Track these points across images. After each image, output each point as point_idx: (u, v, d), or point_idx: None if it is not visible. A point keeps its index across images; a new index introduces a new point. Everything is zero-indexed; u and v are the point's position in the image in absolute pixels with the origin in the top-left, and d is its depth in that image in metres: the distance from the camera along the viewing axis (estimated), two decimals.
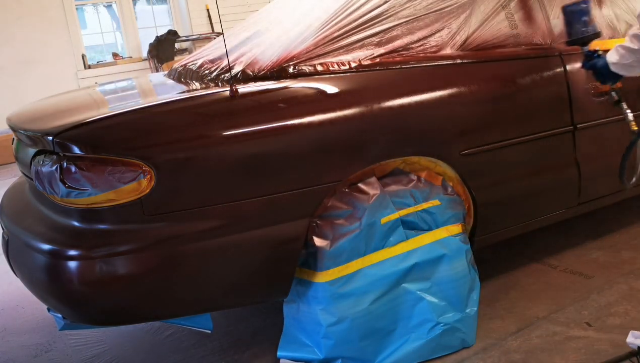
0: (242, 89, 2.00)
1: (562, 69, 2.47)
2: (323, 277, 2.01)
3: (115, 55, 8.74)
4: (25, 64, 7.72)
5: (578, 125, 2.53)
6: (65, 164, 1.79)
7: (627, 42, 2.14)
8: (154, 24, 9.14)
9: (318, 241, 1.99)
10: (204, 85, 2.29)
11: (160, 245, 1.82)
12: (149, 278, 1.85)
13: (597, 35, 2.29)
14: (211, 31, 8.92)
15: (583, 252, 2.90)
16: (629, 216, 3.29)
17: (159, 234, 1.82)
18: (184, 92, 2.38)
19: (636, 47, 2.11)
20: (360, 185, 2.06)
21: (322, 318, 2.03)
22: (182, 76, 2.57)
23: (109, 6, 9.19)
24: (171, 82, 2.61)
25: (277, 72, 2.09)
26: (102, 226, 1.82)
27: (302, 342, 2.12)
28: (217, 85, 2.22)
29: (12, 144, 2.45)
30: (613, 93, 2.37)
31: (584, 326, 2.27)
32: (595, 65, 2.26)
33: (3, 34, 7.58)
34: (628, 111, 2.35)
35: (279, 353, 2.17)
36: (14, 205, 2.28)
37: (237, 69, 2.18)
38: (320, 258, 2.00)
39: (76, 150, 1.80)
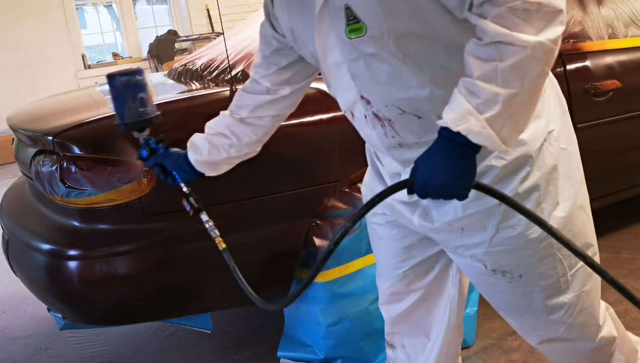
0: None
1: (562, 68, 2.47)
2: (323, 277, 2.01)
3: (115, 55, 8.75)
4: (25, 64, 7.72)
5: (578, 126, 2.52)
6: (65, 163, 1.79)
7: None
8: (154, 24, 9.15)
9: (318, 241, 1.99)
10: (204, 85, 2.29)
11: (160, 245, 1.82)
12: (149, 278, 1.85)
13: (156, 119, 1.51)
14: (211, 31, 8.93)
15: None
16: (629, 216, 3.29)
17: (159, 234, 1.82)
18: (184, 92, 2.38)
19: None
20: (360, 185, 2.06)
21: (322, 318, 2.03)
22: (182, 76, 2.57)
23: (109, 6, 9.20)
24: (171, 82, 2.61)
25: None
26: (102, 226, 1.82)
27: (302, 341, 2.12)
28: (217, 85, 2.22)
29: (12, 144, 2.45)
30: (191, 199, 1.54)
31: None
32: (165, 161, 1.51)
33: (3, 34, 7.58)
34: (210, 224, 1.54)
35: (279, 353, 2.17)
36: (14, 205, 2.28)
37: (237, 69, 2.18)
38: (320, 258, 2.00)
39: (76, 150, 1.80)
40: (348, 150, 2.00)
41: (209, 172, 1.53)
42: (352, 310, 2.03)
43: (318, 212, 2.00)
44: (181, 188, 1.54)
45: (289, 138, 1.92)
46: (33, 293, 2.04)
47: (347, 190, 2.05)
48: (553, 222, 1.23)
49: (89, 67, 8.32)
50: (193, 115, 1.93)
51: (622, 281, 2.66)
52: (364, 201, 1.50)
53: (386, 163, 1.36)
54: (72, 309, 1.91)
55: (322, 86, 2.03)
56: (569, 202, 1.27)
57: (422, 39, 1.11)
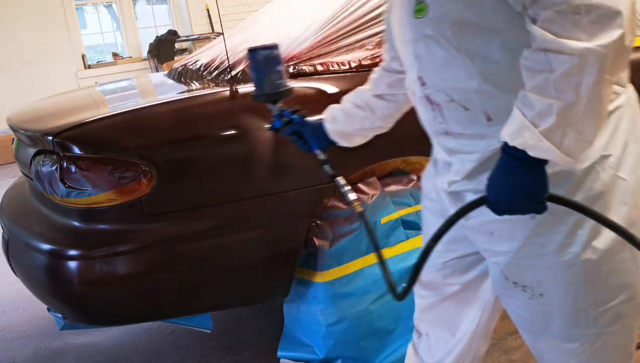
0: (242, 89, 2.00)
1: None
2: (323, 277, 2.01)
3: (115, 55, 8.75)
4: (25, 64, 7.72)
5: None
6: (65, 163, 1.79)
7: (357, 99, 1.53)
8: (154, 24, 9.15)
9: (318, 241, 1.99)
10: (204, 85, 2.29)
11: (160, 245, 1.82)
12: (149, 278, 1.85)
13: (290, 92, 1.61)
14: (211, 31, 8.93)
15: None
16: None
17: (159, 234, 1.82)
18: (184, 92, 2.38)
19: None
20: (360, 185, 2.06)
21: (322, 318, 2.03)
22: (182, 76, 2.57)
23: (109, 6, 9.20)
24: (171, 82, 2.61)
25: None
26: (102, 226, 1.82)
27: (302, 341, 2.12)
28: (217, 85, 2.22)
29: (12, 144, 2.45)
30: (326, 167, 1.56)
31: None
32: (303, 129, 1.57)
33: (3, 34, 7.58)
34: (346, 189, 1.53)
35: (279, 353, 2.17)
36: (14, 205, 2.28)
37: (237, 69, 2.18)
38: (320, 258, 2.00)
39: (76, 150, 1.80)
40: (348, 150, 2.00)
41: (343, 142, 1.56)
42: (352, 310, 2.03)
43: (318, 212, 2.00)
44: (317, 156, 1.58)
45: (289, 138, 1.92)
46: (33, 293, 2.04)
47: None
48: (588, 253, 1.16)
49: (89, 67, 8.31)
50: (193, 115, 1.93)
51: None
52: (422, 190, 1.48)
53: (435, 150, 1.35)
54: (72, 309, 1.91)
55: (322, 86, 2.04)
56: (612, 236, 1.15)
57: (478, 29, 1.09)
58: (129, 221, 1.81)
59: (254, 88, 1.60)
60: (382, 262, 1.36)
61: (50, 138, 1.82)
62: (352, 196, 1.52)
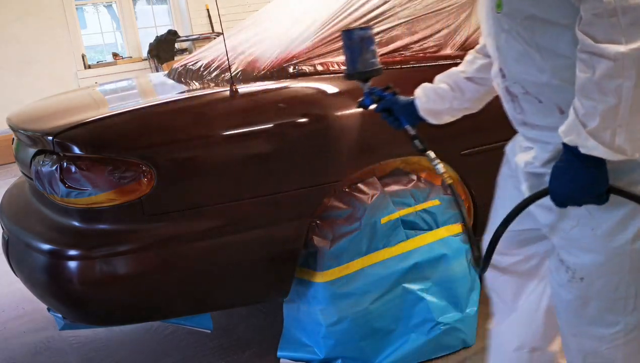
0: (242, 88, 2.00)
1: None
2: (323, 277, 2.01)
3: (115, 55, 8.74)
4: (25, 64, 7.71)
5: None
6: (65, 163, 1.79)
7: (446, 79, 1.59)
8: (154, 24, 9.14)
9: (318, 241, 1.99)
10: (204, 85, 2.29)
11: (160, 245, 1.82)
12: (148, 278, 1.85)
13: (381, 71, 1.72)
14: (211, 31, 8.92)
15: None
16: None
17: (158, 234, 1.82)
18: (184, 92, 2.38)
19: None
20: (360, 185, 2.06)
21: (322, 318, 2.03)
22: (182, 76, 2.57)
23: (109, 6, 9.19)
24: (171, 82, 2.61)
25: (277, 72, 2.09)
26: (102, 226, 1.82)
27: (302, 341, 2.12)
28: (217, 85, 2.22)
29: (12, 143, 2.45)
30: (416, 142, 1.66)
31: None
32: (395, 106, 1.65)
33: (3, 34, 7.58)
34: (436, 161, 1.63)
35: (279, 353, 2.17)
36: (14, 205, 2.28)
37: (237, 68, 2.18)
38: (320, 258, 2.00)
39: (76, 150, 1.80)
40: (348, 150, 2.01)
41: (432, 119, 1.63)
42: (352, 310, 2.03)
43: (318, 212, 2.00)
44: (407, 131, 1.66)
45: (289, 138, 1.92)
46: (33, 293, 2.04)
47: (347, 190, 2.05)
48: (638, 244, 1.18)
49: (89, 67, 8.31)
50: (194, 115, 1.94)
51: None
52: (505, 156, 1.52)
53: (518, 138, 1.39)
54: (72, 309, 1.91)
55: (322, 86, 2.04)
56: None
57: (546, 24, 1.13)
58: (129, 221, 1.81)
59: (347, 67, 1.71)
60: (470, 237, 1.47)
61: (50, 138, 1.82)
62: (441, 169, 1.62)
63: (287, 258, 1.97)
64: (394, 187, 2.10)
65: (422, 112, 1.61)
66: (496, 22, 1.24)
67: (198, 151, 1.84)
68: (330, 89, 2.03)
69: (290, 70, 2.08)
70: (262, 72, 2.11)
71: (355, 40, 1.69)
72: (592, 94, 1.02)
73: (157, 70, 8.40)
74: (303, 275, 2.05)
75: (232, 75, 2.14)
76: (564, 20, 1.10)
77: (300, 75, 2.08)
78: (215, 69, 2.34)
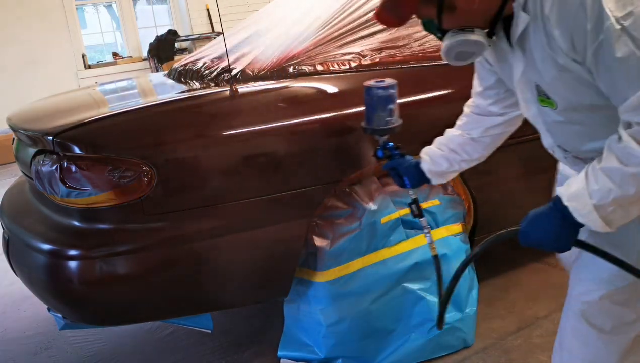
0: (242, 88, 2.00)
1: None
2: (323, 277, 2.01)
3: (115, 55, 8.74)
4: (25, 64, 7.71)
5: None
6: (65, 163, 1.79)
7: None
8: (154, 23, 9.13)
9: (318, 241, 1.99)
10: (204, 85, 2.29)
11: (159, 245, 1.82)
12: (148, 278, 1.85)
13: (398, 128, 1.82)
14: (211, 31, 8.92)
15: None
16: None
17: (159, 234, 1.82)
18: (184, 91, 2.38)
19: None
20: (360, 185, 2.06)
21: (323, 317, 2.03)
22: (182, 76, 2.57)
23: (109, 6, 9.19)
24: (171, 81, 2.61)
25: (277, 72, 2.09)
26: (102, 226, 1.82)
27: (302, 341, 2.12)
28: (217, 85, 2.22)
29: (12, 143, 2.45)
30: (413, 206, 1.83)
31: None
32: (400, 167, 1.76)
33: (3, 34, 7.57)
34: (427, 230, 1.81)
35: (279, 353, 2.17)
36: (14, 205, 2.28)
37: (237, 68, 2.18)
38: (320, 258, 2.00)
39: (76, 149, 1.80)
40: (348, 150, 2.01)
41: (439, 181, 1.73)
42: (352, 310, 2.03)
43: (318, 212, 2.00)
44: (409, 193, 1.79)
45: (289, 138, 1.92)
46: (33, 293, 2.04)
47: (347, 190, 2.05)
48: None
49: (89, 67, 8.30)
50: (193, 115, 1.94)
51: None
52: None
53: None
54: (72, 309, 1.91)
55: (322, 86, 2.04)
56: None
57: (609, 107, 1.16)
58: (129, 221, 1.81)
59: (364, 120, 1.81)
60: (445, 303, 1.49)
61: (50, 138, 1.82)
62: (431, 238, 1.76)
63: (287, 258, 1.97)
64: (394, 187, 2.10)
65: (429, 174, 1.70)
66: (543, 113, 1.30)
67: (198, 151, 1.84)
68: (330, 88, 2.03)
69: (290, 70, 2.08)
70: (262, 72, 2.11)
71: (373, 97, 1.76)
72: (615, 178, 1.10)
73: (157, 70, 8.40)
74: (303, 275, 2.05)
75: (232, 75, 2.14)
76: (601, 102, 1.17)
77: (300, 75, 2.08)
78: (215, 69, 2.34)
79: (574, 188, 1.17)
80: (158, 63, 8.46)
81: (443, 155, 1.66)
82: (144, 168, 1.76)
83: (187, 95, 2.28)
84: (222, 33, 2.24)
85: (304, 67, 2.09)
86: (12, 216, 2.18)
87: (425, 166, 1.70)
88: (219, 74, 2.28)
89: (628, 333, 1.37)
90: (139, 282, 1.84)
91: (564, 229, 1.20)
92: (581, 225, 1.18)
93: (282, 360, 2.17)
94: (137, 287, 1.85)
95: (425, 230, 1.78)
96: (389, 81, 1.78)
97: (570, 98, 1.21)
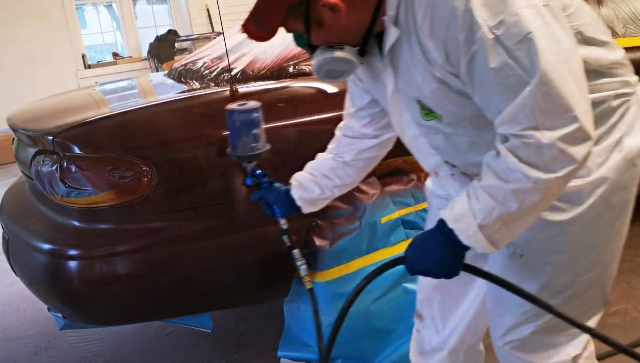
0: (242, 88, 2.00)
1: None
2: (323, 277, 2.01)
3: (115, 55, 8.74)
4: (25, 64, 7.71)
5: None
6: (65, 163, 1.79)
7: None
8: (154, 23, 9.14)
9: (318, 241, 1.99)
10: (204, 85, 2.29)
11: (159, 245, 1.82)
12: (149, 278, 1.85)
13: (266, 153, 1.70)
14: (211, 31, 8.92)
15: None
16: None
17: (159, 234, 1.82)
18: (184, 91, 2.38)
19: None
20: (360, 185, 2.06)
21: (323, 317, 2.03)
22: (182, 76, 2.57)
23: (109, 6, 9.19)
24: (171, 81, 2.61)
25: (277, 71, 2.09)
26: (102, 226, 1.82)
27: (302, 341, 2.12)
28: (217, 85, 2.22)
29: (12, 143, 2.46)
30: (285, 237, 1.70)
31: None
32: (268, 196, 1.64)
33: (3, 34, 7.57)
34: (300, 263, 1.70)
35: (279, 353, 2.17)
36: (14, 205, 2.28)
37: (237, 68, 2.18)
38: (320, 257, 2.00)
39: (76, 149, 1.80)
40: None
41: (310, 209, 1.62)
42: (352, 310, 2.02)
43: (318, 212, 2.00)
44: (280, 224, 1.67)
45: (289, 138, 1.92)
46: (33, 293, 2.04)
47: None
48: (575, 226, 1.22)
49: (89, 67, 8.30)
50: (194, 115, 1.94)
51: (622, 278, 2.66)
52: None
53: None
54: (72, 309, 1.91)
55: (322, 86, 2.04)
56: (598, 212, 1.23)
57: (488, 120, 1.13)
58: (129, 221, 1.81)
59: (229, 146, 1.66)
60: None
61: (50, 138, 1.82)
62: (305, 271, 1.64)
63: (287, 258, 1.96)
64: (394, 187, 2.10)
65: (299, 201, 1.59)
66: (426, 128, 1.25)
67: (198, 151, 1.84)
68: (330, 88, 2.03)
69: (290, 70, 2.08)
70: (262, 72, 2.11)
71: (235, 121, 1.61)
72: (497, 196, 1.07)
73: (157, 70, 8.40)
74: None
75: (232, 75, 2.14)
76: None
77: (300, 75, 2.07)
78: (215, 69, 2.34)
79: (457, 209, 1.12)
80: (158, 63, 8.46)
81: (314, 181, 1.56)
82: (144, 168, 1.76)
83: (187, 95, 2.28)
84: (222, 33, 2.24)
85: (304, 67, 2.09)
86: (12, 216, 2.18)
87: (296, 193, 1.59)
88: (219, 74, 2.28)
89: (567, 356, 1.33)
90: (139, 282, 1.84)
91: (449, 254, 1.16)
92: (467, 248, 1.14)
93: (282, 360, 2.17)
94: (137, 287, 1.85)
95: (299, 263, 1.67)
96: (252, 104, 1.65)
97: (453, 110, 1.16)
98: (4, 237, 2.21)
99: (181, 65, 2.70)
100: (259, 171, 1.67)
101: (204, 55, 2.62)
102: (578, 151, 1.01)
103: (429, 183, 1.53)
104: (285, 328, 2.15)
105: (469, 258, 1.39)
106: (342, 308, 1.33)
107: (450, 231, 1.13)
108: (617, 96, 1.21)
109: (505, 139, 1.06)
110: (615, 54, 1.22)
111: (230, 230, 1.88)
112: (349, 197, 2.04)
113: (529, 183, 1.03)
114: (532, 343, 1.33)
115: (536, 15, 0.99)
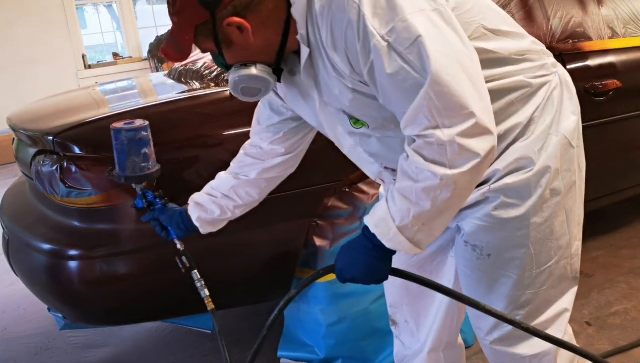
0: None
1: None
2: (323, 277, 2.00)
3: (115, 55, 8.74)
4: (25, 64, 7.71)
5: None
6: (65, 163, 1.79)
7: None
8: (154, 23, 9.14)
9: (318, 241, 1.99)
10: (204, 85, 2.29)
11: (159, 245, 1.82)
12: (148, 278, 1.85)
13: (157, 173, 1.63)
14: None
15: (583, 251, 2.83)
16: (628, 215, 3.29)
17: (159, 234, 1.81)
18: (184, 91, 2.38)
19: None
20: (360, 184, 2.06)
21: (323, 317, 2.03)
22: (182, 76, 2.57)
23: (109, 6, 9.19)
24: (171, 81, 2.61)
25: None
26: (102, 226, 1.82)
27: (302, 341, 2.12)
28: (217, 85, 2.22)
29: (12, 143, 2.45)
30: (183, 258, 1.64)
31: (584, 325, 2.27)
32: (162, 217, 1.62)
33: (3, 34, 7.57)
34: (200, 284, 1.64)
35: (279, 353, 2.17)
36: (14, 205, 2.28)
37: None
38: (320, 257, 2.00)
39: (76, 149, 1.80)
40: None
41: (209, 229, 1.59)
42: (352, 310, 2.03)
43: (318, 212, 2.00)
44: (175, 244, 1.62)
45: None
46: (33, 293, 2.04)
47: (347, 190, 2.05)
48: (535, 217, 1.26)
49: (89, 67, 8.30)
50: (193, 115, 1.94)
51: (622, 279, 2.65)
52: None
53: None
54: (72, 309, 1.91)
55: None
56: (555, 201, 1.28)
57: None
58: (129, 221, 1.81)
59: (116, 167, 1.59)
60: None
61: (50, 138, 1.82)
62: (205, 292, 1.61)
63: (287, 258, 1.97)
64: None
65: (197, 222, 1.56)
66: (358, 136, 1.27)
67: (198, 151, 1.84)
68: None
69: None
70: None
71: (122, 141, 1.54)
72: (410, 196, 1.10)
73: (157, 70, 8.40)
74: (303, 275, 2.05)
75: None
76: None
77: None
78: (215, 69, 2.34)
79: (377, 214, 1.16)
80: (158, 63, 8.45)
81: (214, 201, 1.54)
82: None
83: (187, 95, 2.28)
84: None
85: None
86: (12, 216, 2.18)
87: (194, 214, 1.55)
88: (219, 74, 2.28)
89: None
90: (139, 282, 1.84)
91: (375, 259, 1.19)
92: (392, 252, 1.17)
93: (282, 360, 2.17)
94: (137, 287, 1.85)
95: (199, 284, 1.62)
96: (139, 122, 1.59)
97: (374, 114, 1.19)
98: (4, 237, 2.21)
99: (181, 65, 2.70)
100: (149, 192, 1.63)
101: (204, 55, 2.62)
102: (479, 145, 1.04)
103: (381, 189, 1.56)
104: (285, 328, 2.16)
105: (427, 268, 1.47)
106: (269, 320, 1.34)
107: (373, 236, 1.16)
108: (535, 77, 1.24)
109: (411, 141, 1.10)
110: (524, 42, 1.26)
111: (230, 230, 1.87)
112: (349, 197, 2.04)
113: (437, 180, 1.06)
114: (517, 335, 1.36)
115: (425, 19, 1.03)
